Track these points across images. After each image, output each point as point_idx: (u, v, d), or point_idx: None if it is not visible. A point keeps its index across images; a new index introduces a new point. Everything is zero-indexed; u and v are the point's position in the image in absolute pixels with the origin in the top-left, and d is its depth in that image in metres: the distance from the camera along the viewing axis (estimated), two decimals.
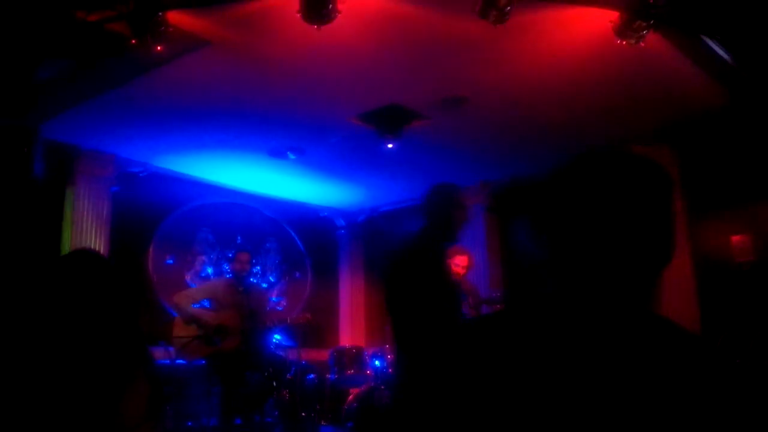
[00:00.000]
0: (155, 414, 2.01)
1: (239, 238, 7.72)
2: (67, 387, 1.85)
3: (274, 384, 5.67)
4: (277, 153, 6.52)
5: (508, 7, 3.75)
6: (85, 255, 2.19)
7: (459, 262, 5.03)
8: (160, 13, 3.85)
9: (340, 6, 3.78)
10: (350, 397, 5.61)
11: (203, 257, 7.39)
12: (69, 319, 1.93)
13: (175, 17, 3.96)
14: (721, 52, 4.46)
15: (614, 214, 1.05)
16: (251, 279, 6.78)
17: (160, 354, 5.49)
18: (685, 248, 5.82)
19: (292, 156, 6.58)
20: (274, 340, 6.22)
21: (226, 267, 7.25)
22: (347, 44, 4.34)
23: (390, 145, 5.83)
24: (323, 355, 6.68)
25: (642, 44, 3.99)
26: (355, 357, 5.93)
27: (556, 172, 1.12)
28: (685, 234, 5.73)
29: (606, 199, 1.06)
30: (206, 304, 5.84)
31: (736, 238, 5.77)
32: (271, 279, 8.07)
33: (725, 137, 5.71)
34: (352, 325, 8.67)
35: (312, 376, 6.27)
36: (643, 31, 3.91)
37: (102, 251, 5.85)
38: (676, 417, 0.94)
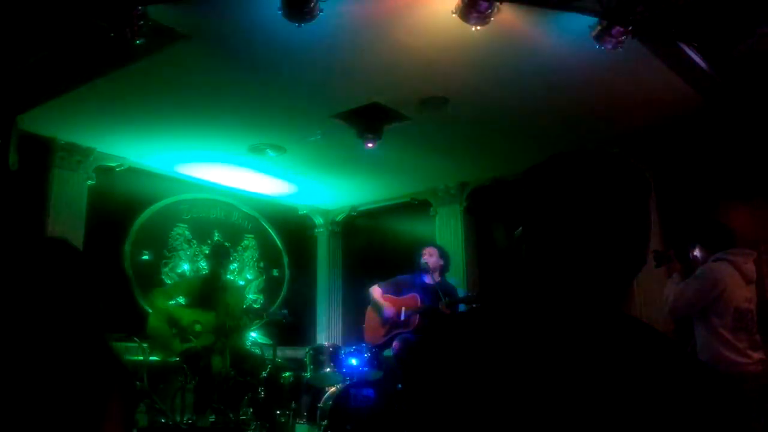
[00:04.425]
0: None
1: (216, 234, 7.67)
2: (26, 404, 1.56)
3: (250, 381, 5.63)
4: (256, 150, 6.49)
5: (489, 10, 3.77)
6: (57, 243, 1.88)
7: (426, 251, 5.91)
8: (140, 7, 3.81)
9: (322, 4, 3.77)
10: (326, 395, 5.58)
11: (180, 253, 7.32)
12: (32, 317, 1.65)
13: (155, 11, 3.92)
14: (697, 59, 4.53)
15: (589, 214, 1.05)
16: (228, 276, 6.73)
17: (134, 350, 5.45)
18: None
19: (271, 153, 6.55)
20: (250, 338, 6.18)
21: (203, 263, 7.21)
22: (328, 42, 4.34)
23: (370, 145, 5.83)
24: (299, 353, 6.65)
25: (620, 49, 4.05)
26: (332, 355, 5.90)
27: (530, 172, 1.13)
28: (659, 237, 5.79)
29: (580, 199, 1.06)
30: (182, 300, 5.80)
31: None
32: (249, 276, 8.02)
33: (699, 143, 5.79)
34: (329, 324, 8.66)
35: (288, 374, 6.24)
36: (621, 36, 3.96)
37: (77, 245, 5.78)
38: (644, 417, 0.95)
